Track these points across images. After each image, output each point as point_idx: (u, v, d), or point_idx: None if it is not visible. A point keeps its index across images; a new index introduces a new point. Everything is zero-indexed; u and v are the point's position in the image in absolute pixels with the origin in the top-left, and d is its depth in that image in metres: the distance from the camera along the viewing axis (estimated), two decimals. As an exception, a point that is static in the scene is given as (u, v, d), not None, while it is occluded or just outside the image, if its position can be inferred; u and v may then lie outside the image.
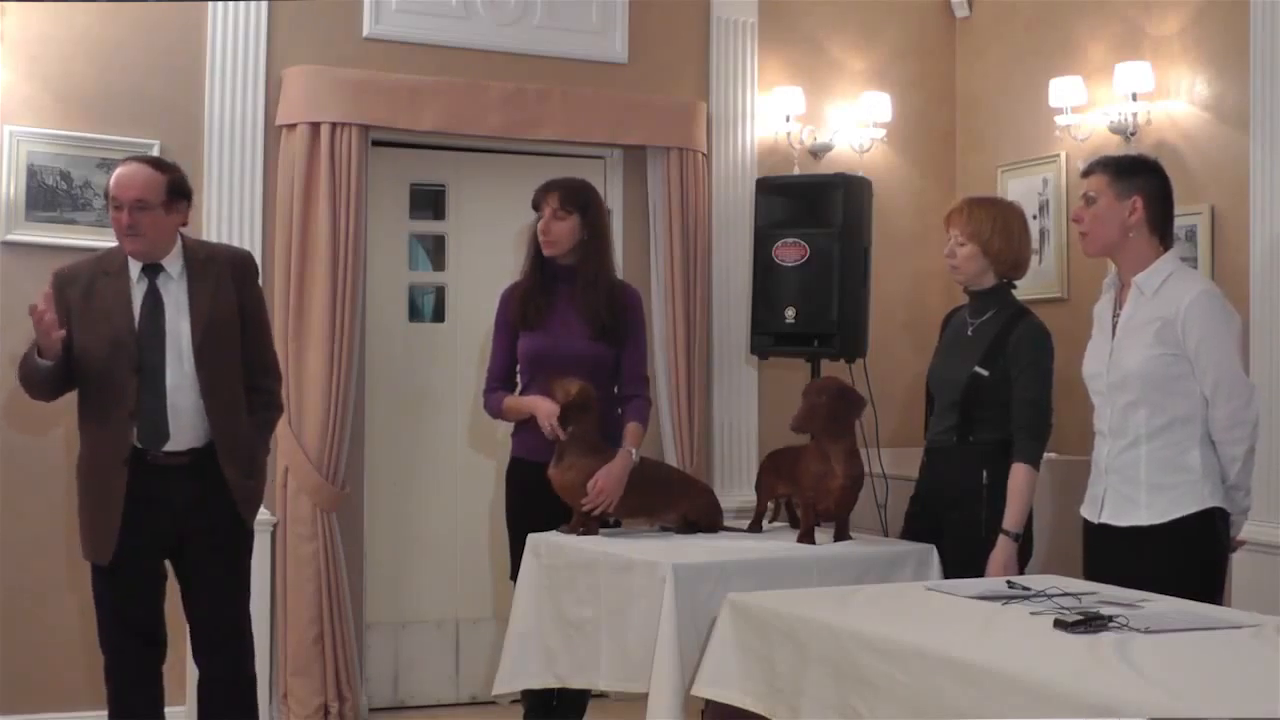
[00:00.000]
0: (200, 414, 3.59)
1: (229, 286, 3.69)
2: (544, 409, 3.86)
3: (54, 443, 4.62)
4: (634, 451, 3.92)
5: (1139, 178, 3.38)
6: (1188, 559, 3.26)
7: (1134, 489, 3.33)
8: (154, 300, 3.61)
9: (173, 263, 3.64)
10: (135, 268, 3.62)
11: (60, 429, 4.62)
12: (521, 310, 4.07)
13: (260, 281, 3.91)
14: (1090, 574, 3.39)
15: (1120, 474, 3.36)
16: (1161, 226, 3.40)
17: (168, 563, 3.73)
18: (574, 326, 4.03)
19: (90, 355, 3.54)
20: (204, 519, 3.63)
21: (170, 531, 3.62)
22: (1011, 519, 3.58)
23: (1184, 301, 3.27)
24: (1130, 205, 3.35)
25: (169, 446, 3.57)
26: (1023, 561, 3.61)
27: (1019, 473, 3.59)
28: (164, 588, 3.73)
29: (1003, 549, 3.56)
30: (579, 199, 4.05)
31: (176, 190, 3.65)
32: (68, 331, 3.52)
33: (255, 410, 3.75)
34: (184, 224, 3.72)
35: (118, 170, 3.61)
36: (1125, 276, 3.42)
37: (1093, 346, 3.52)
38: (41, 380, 3.58)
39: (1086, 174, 3.46)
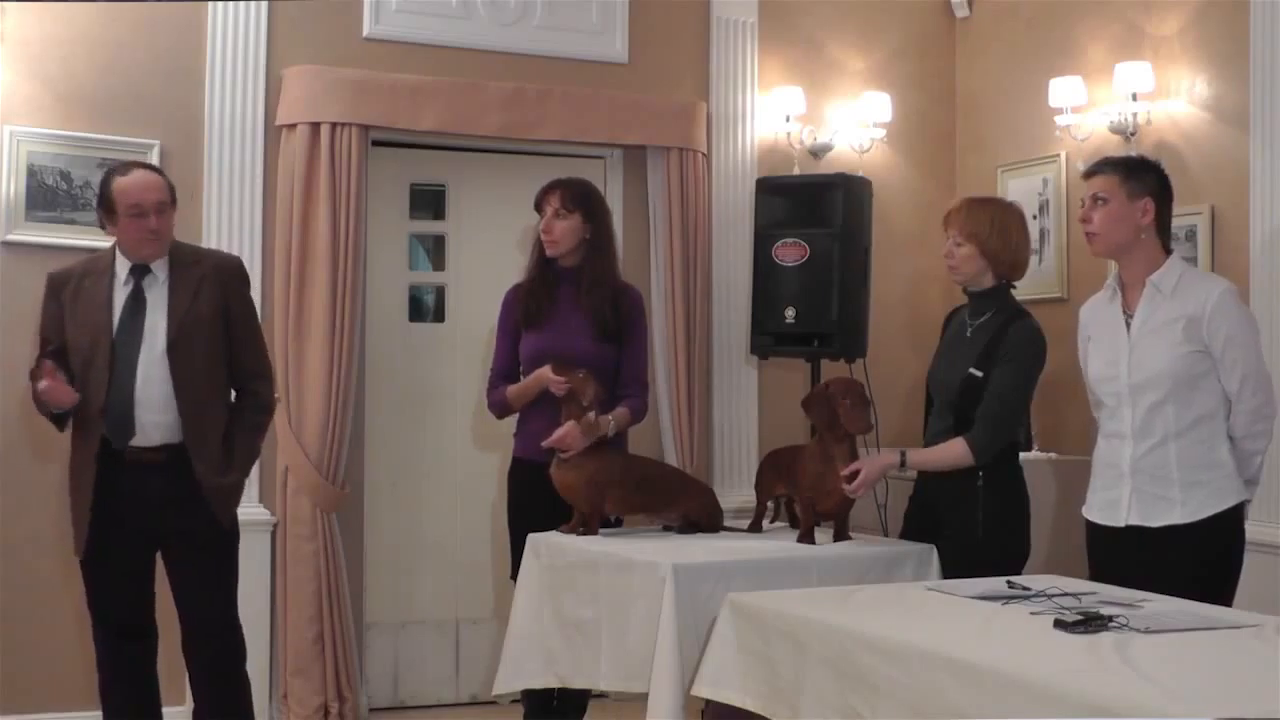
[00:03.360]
0: (171, 411, 3.64)
1: (213, 290, 3.74)
2: (547, 373, 3.88)
3: (52, 443, 4.62)
4: (611, 423, 3.91)
5: (1149, 178, 3.40)
6: (1220, 554, 3.30)
7: (1166, 488, 3.32)
8: (137, 300, 3.69)
9: (160, 265, 3.72)
10: (123, 269, 3.71)
11: (56, 427, 4.63)
12: (524, 309, 4.07)
13: (252, 286, 3.99)
14: (1101, 578, 3.36)
15: (1149, 474, 3.35)
16: (1166, 228, 3.43)
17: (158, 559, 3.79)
18: (577, 327, 4.04)
19: (75, 354, 3.65)
20: (181, 517, 3.68)
21: (147, 528, 3.67)
22: (915, 455, 3.65)
23: (1211, 299, 3.29)
24: (1142, 206, 3.37)
25: (136, 442, 3.63)
26: (1020, 561, 3.60)
27: (956, 444, 3.59)
28: (150, 583, 3.77)
29: (887, 458, 3.66)
30: (581, 198, 4.05)
31: (174, 193, 3.77)
32: (62, 341, 3.67)
33: (244, 413, 3.81)
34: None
35: (130, 177, 3.67)
36: (1132, 277, 3.42)
37: (1099, 349, 3.50)
38: (58, 419, 3.71)
39: (1091, 174, 3.45)
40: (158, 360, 3.64)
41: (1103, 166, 3.45)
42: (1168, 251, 3.42)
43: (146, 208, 3.63)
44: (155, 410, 3.63)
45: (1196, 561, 3.26)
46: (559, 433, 3.81)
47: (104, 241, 4.62)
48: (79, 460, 3.69)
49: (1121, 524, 3.39)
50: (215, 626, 3.78)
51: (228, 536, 3.80)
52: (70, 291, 3.71)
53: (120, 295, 3.68)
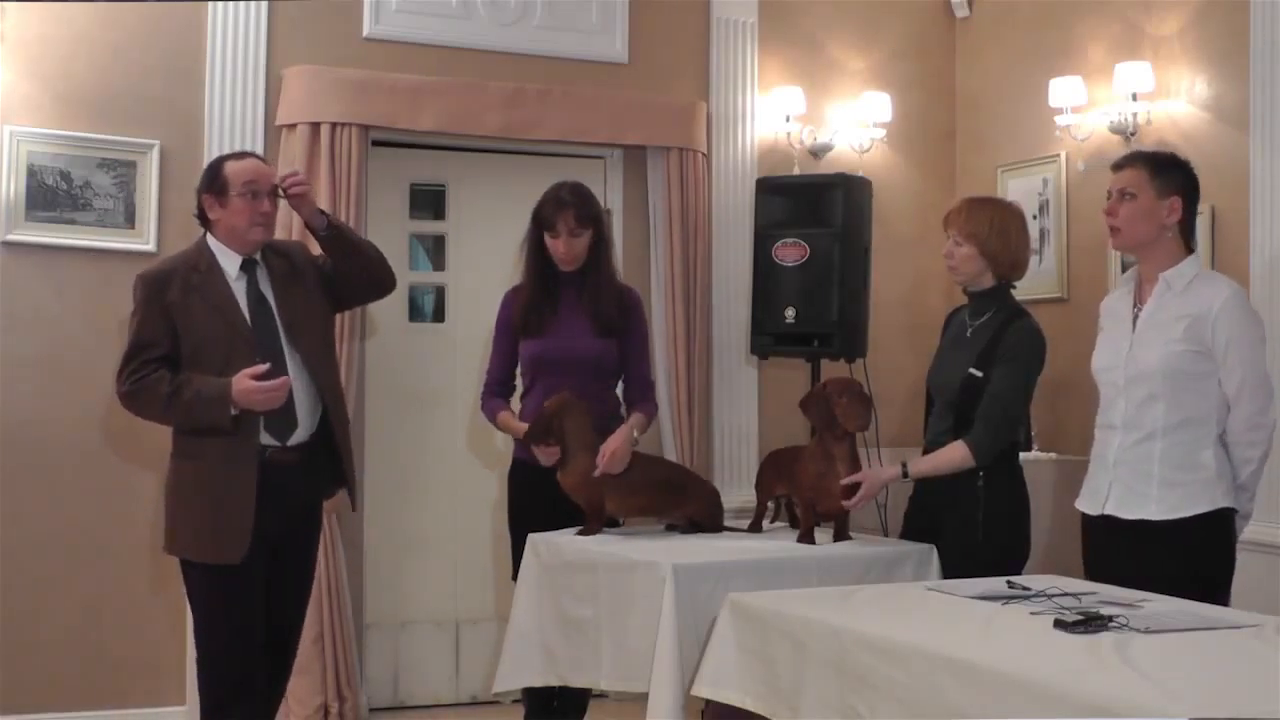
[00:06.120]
0: (313, 403, 3.61)
1: (308, 273, 3.71)
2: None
3: (55, 441, 4.62)
4: (634, 431, 3.92)
5: (1178, 176, 3.38)
6: (1197, 558, 3.27)
7: (1145, 483, 3.33)
8: (258, 294, 3.60)
9: (260, 258, 3.65)
10: (232, 265, 3.58)
11: (56, 427, 4.63)
12: (524, 318, 4.06)
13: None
14: (1091, 568, 3.38)
15: (1131, 467, 3.35)
16: (1190, 227, 3.42)
17: None
18: (578, 328, 4.03)
19: (206, 352, 3.49)
20: (305, 520, 3.69)
21: (276, 531, 3.55)
22: (915, 464, 3.66)
23: (1217, 301, 3.28)
24: (1170, 205, 3.36)
25: (293, 439, 3.57)
26: (1019, 562, 3.61)
27: (956, 448, 3.59)
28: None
29: (888, 472, 3.67)
30: (591, 214, 4.02)
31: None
32: (176, 333, 3.49)
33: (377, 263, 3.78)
34: None
35: (244, 161, 3.62)
36: (1149, 273, 3.42)
37: (1106, 340, 3.52)
38: (207, 423, 3.48)
39: (1120, 167, 3.43)
40: (295, 354, 3.58)
41: (1133, 160, 3.43)
42: (1189, 250, 3.41)
43: (261, 189, 3.56)
44: (304, 404, 3.59)
45: (1172, 562, 3.25)
46: (607, 456, 3.78)
47: (104, 242, 4.66)
48: (222, 459, 3.47)
49: (1098, 512, 3.41)
50: (294, 633, 3.76)
51: (315, 550, 3.82)
52: (178, 290, 3.50)
53: (238, 291, 3.57)
